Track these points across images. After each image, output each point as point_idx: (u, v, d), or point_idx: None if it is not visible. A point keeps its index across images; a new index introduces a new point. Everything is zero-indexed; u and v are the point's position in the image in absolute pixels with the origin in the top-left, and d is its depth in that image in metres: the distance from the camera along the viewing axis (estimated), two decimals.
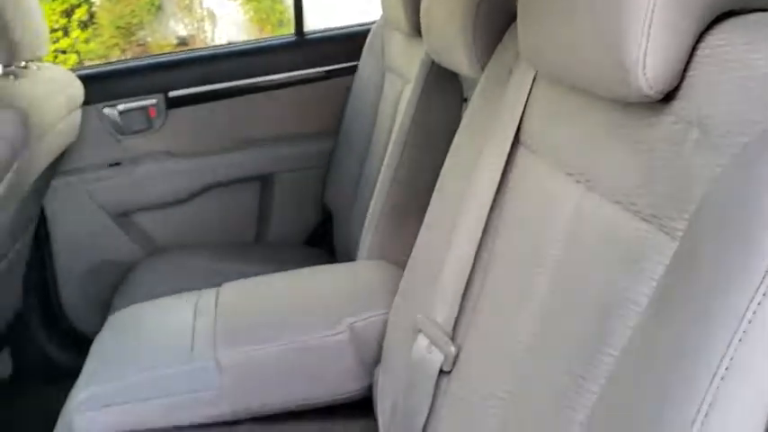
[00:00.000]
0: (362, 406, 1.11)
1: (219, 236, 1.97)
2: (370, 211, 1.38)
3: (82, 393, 1.07)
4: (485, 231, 0.87)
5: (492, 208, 0.87)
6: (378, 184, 1.39)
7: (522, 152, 0.85)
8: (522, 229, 0.83)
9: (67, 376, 1.17)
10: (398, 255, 1.16)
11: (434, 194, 1.02)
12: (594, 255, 0.67)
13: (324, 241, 1.95)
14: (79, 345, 1.31)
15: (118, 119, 1.84)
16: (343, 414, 1.14)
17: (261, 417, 1.10)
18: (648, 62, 0.58)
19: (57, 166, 1.74)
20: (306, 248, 1.96)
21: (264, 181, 1.95)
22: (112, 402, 1.06)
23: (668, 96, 0.61)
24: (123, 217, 1.90)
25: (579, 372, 0.64)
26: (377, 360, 1.10)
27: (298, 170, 1.93)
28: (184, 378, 1.06)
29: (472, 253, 0.88)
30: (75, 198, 1.83)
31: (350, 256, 1.55)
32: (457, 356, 0.87)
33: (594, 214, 0.69)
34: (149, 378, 1.07)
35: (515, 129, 0.85)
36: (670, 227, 0.58)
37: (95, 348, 1.19)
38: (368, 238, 1.37)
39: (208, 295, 1.24)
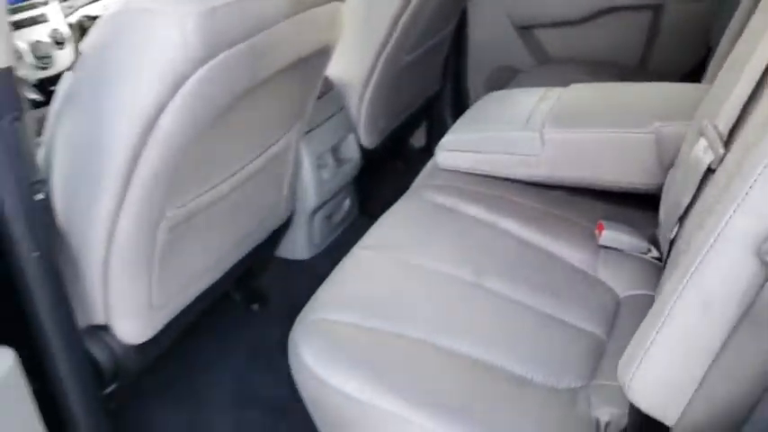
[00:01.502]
0: (649, 200, 1.30)
1: (605, 58, 2.16)
2: (723, 39, 1.44)
3: (448, 137, 1.49)
4: None
5: None
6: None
7: None
8: None
9: None
10: None
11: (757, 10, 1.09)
12: None
13: (702, 76, 1.99)
14: None
15: None
16: (631, 203, 1.36)
17: (569, 187, 1.39)
18: None
19: None
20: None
21: (656, 10, 2.04)
22: (467, 148, 1.46)
23: None
24: (525, 30, 2.23)
25: None
26: (672, 164, 1.26)
27: (689, 1, 1.97)
28: (516, 142, 1.39)
29: (762, 67, 0.97)
30: (489, 7, 2.21)
31: None
32: (723, 158, 1.00)
33: None
34: (494, 136, 1.43)
35: None
36: None
37: (467, 112, 1.60)
38: (715, 66, 1.45)
39: (555, 90, 1.52)
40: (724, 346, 0.66)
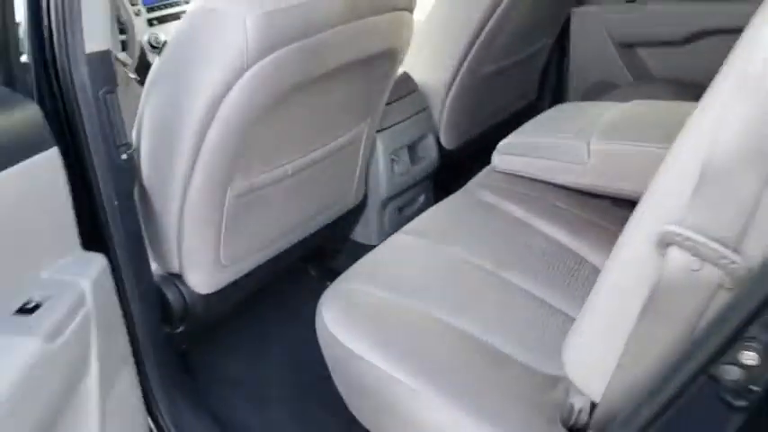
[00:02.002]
0: None
1: (705, 80, 2.12)
2: None
3: (505, 141, 1.60)
4: None
5: None
6: None
7: None
8: None
9: None
10: None
11: None
12: None
13: None
14: None
15: None
16: None
17: (613, 197, 1.44)
18: None
19: None
20: None
21: None
22: (520, 152, 1.56)
23: None
24: (626, 48, 2.24)
25: None
26: None
27: None
28: (564, 149, 1.46)
29: None
30: (591, 23, 2.25)
31: None
32: None
33: None
34: (545, 143, 1.52)
35: None
36: None
37: (532, 119, 1.69)
38: None
39: (619, 105, 1.56)
40: (632, 332, 0.74)
